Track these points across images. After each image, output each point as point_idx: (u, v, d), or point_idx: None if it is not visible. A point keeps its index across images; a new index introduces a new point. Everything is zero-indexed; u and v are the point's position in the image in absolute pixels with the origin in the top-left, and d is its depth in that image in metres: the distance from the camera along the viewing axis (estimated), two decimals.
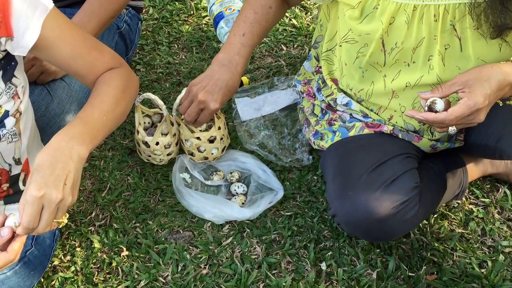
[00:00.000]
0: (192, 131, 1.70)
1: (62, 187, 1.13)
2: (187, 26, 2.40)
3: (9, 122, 1.32)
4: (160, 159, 1.78)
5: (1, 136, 1.32)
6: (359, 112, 1.53)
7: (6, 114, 1.30)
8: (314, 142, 1.64)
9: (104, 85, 1.33)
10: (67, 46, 1.28)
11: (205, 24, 2.40)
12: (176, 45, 2.31)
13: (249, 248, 1.61)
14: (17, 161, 1.38)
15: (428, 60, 1.37)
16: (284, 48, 2.26)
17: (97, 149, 1.89)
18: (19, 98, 1.33)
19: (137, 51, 2.27)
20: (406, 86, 1.42)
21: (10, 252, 1.09)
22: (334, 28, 1.52)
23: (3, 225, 1.13)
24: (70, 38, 1.29)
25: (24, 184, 1.41)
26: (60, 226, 1.19)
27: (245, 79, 2.08)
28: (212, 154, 1.75)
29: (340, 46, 1.49)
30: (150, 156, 1.77)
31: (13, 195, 1.42)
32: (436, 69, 1.37)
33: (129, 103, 1.37)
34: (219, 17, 2.21)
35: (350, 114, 1.55)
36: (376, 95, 1.48)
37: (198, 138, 1.71)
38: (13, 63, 1.28)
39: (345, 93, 1.55)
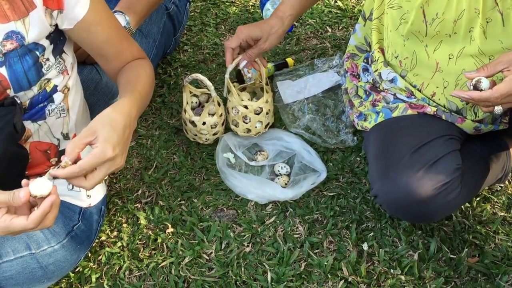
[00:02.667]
0: (242, 99, 1.72)
1: (126, 153, 1.19)
2: (234, 8, 2.41)
3: (58, 97, 1.37)
4: (206, 139, 1.81)
5: (50, 111, 1.37)
6: (403, 90, 1.51)
7: (55, 89, 1.35)
8: (358, 124, 1.63)
9: (140, 69, 1.41)
10: (104, 31, 1.36)
11: (251, 5, 2.41)
12: (223, 27, 2.33)
13: (291, 227, 1.63)
14: (65, 136, 1.43)
15: (469, 32, 1.35)
16: (329, 30, 2.25)
17: (144, 128, 1.93)
18: (68, 74, 1.38)
19: (185, 32, 2.30)
20: (449, 58, 1.40)
21: (30, 221, 1.07)
22: None
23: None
24: (107, 24, 1.36)
25: None
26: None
27: (290, 60, 2.09)
28: (256, 127, 1.77)
29: (386, 13, 1.49)
30: (196, 135, 1.80)
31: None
32: (478, 41, 1.35)
33: (151, 94, 1.44)
34: None
35: (394, 95, 1.54)
36: (420, 66, 1.47)
37: (245, 106, 1.74)
38: (62, 38, 1.34)
39: (390, 66, 1.54)
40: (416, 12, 1.38)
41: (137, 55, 1.45)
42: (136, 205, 1.73)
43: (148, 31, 1.92)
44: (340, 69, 1.91)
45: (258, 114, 1.74)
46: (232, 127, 1.80)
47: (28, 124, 1.36)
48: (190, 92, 1.82)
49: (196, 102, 1.83)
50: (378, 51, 1.59)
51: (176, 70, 2.14)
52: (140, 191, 1.76)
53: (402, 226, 1.60)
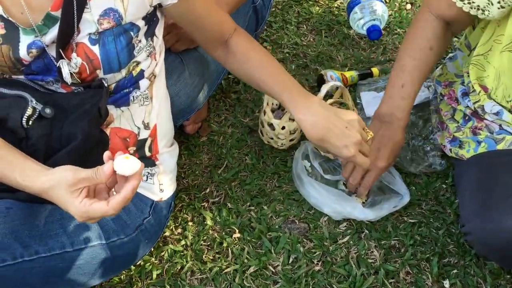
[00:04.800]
0: None
1: None
2: (317, 8, 2.31)
3: (143, 84, 1.31)
4: (282, 144, 1.71)
5: (134, 98, 1.31)
6: (511, 123, 1.40)
7: (142, 74, 1.29)
8: (450, 150, 1.52)
9: (268, 56, 1.38)
10: (201, 1, 1.29)
11: (336, 7, 2.31)
12: (304, 26, 2.23)
13: (366, 251, 1.52)
14: (146, 126, 1.36)
15: None
16: None
17: (216, 124, 1.85)
18: (155, 60, 1.32)
19: (265, 28, 2.21)
20: None
21: (110, 206, 0.99)
22: (491, 32, 1.39)
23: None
24: None
25: (150, 150, 1.38)
26: None
27: (375, 70, 1.98)
28: None
29: (501, 53, 1.35)
30: (272, 138, 1.71)
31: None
32: None
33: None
34: (354, 2, 2.12)
35: (500, 125, 1.42)
36: None
37: None
38: (155, 19, 1.27)
39: (497, 102, 1.42)
40: None
41: (232, 24, 1.38)
42: (203, 204, 1.65)
43: None
44: (431, 83, 1.78)
45: None
46: (322, 152, 1.68)
47: (111, 109, 1.29)
48: None
49: (276, 104, 1.74)
50: (478, 86, 1.46)
51: None
52: (208, 190, 1.68)
53: (488, 267, 1.48)
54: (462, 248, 1.52)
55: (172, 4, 1.25)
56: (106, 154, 1.00)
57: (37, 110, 1.14)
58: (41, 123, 1.15)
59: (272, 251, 1.53)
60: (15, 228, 1.09)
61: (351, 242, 1.54)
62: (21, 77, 1.23)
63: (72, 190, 0.99)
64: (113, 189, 1.05)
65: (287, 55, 2.09)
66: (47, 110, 1.14)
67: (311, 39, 2.17)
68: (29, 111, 1.13)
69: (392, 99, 1.47)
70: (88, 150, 1.17)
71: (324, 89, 1.54)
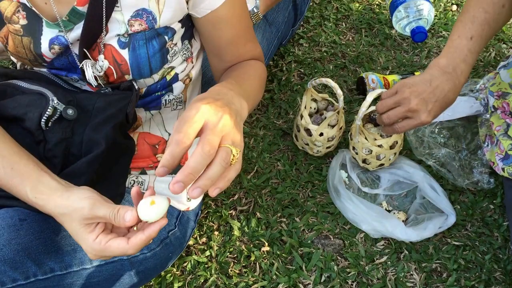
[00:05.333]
0: (375, 138, 1.49)
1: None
2: (357, 4, 2.18)
3: (177, 87, 1.20)
4: (318, 151, 1.60)
5: (166, 102, 1.20)
6: None
7: (176, 77, 1.17)
8: (503, 169, 1.40)
9: (252, 70, 1.17)
10: (230, 30, 1.13)
11: (377, 5, 2.18)
12: (343, 24, 2.10)
13: (405, 274, 1.41)
14: None
15: None
16: None
17: (247, 125, 1.74)
18: (192, 63, 1.20)
19: (302, 23, 2.09)
20: None
21: (131, 245, 0.85)
22: None
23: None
24: (238, 23, 1.14)
25: None
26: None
27: (418, 74, 1.85)
28: (390, 160, 1.54)
29: None
30: (307, 144, 1.60)
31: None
32: None
33: (260, 97, 1.20)
34: (398, 0, 1.98)
35: None
36: None
37: (380, 146, 1.50)
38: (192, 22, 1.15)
39: None
40: None
41: (257, 57, 1.24)
42: (230, 212, 1.54)
43: (273, 19, 1.72)
44: (481, 95, 1.65)
45: (392, 148, 1.51)
46: (361, 164, 1.56)
47: (140, 112, 1.18)
48: (311, 96, 1.61)
49: (314, 108, 1.62)
50: None
51: (289, 65, 1.93)
52: (236, 196, 1.58)
53: None
54: (510, 276, 1.39)
55: (196, 18, 1.12)
56: (135, 190, 0.87)
57: (58, 110, 1.02)
58: (61, 125, 1.03)
59: (304, 268, 1.43)
60: (28, 243, 0.98)
61: (389, 262, 1.43)
62: (44, 70, 1.13)
63: (86, 223, 0.88)
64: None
65: (325, 54, 1.97)
66: (70, 111, 1.03)
67: (350, 38, 2.04)
68: (49, 111, 1.01)
69: (458, 50, 1.31)
70: (111, 160, 1.06)
71: (371, 97, 1.41)
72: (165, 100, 1.19)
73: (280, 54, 1.97)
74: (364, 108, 1.42)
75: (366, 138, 1.49)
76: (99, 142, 1.03)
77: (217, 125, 0.82)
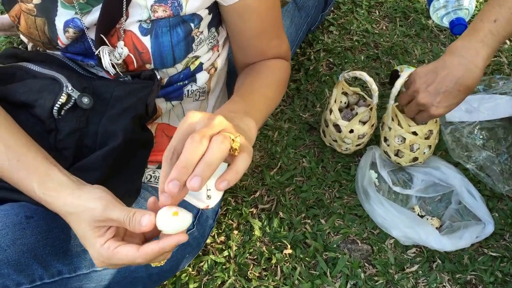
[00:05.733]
0: (409, 125, 1.38)
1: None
2: None
3: (201, 77, 1.10)
4: (347, 148, 1.50)
5: (189, 92, 1.11)
6: None
7: (200, 67, 1.08)
8: None
9: (270, 76, 1.09)
10: (257, 22, 1.04)
11: None
12: (377, 12, 1.99)
13: (437, 285, 1.31)
14: None
15: None
16: (508, 42, 1.87)
17: (271, 117, 1.64)
18: (218, 51, 1.11)
19: (332, 9, 1.98)
20: None
21: (141, 253, 0.76)
22: None
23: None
24: (266, 15, 1.05)
25: None
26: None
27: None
28: (424, 153, 1.43)
29: None
30: (335, 141, 1.49)
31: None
32: None
33: (278, 103, 1.12)
34: None
35: None
36: None
37: (414, 133, 1.38)
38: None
39: None
40: None
41: (282, 55, 1.15)
42: (251, 210, 1.45)
43: (303, 2, 1.61)
44: None
45: (428, 138, 1.40)
46: (393, 157, 1.45)
47: (160, 102, 1.09)
48: (342, 90, 1.50)
49: (345, 103, 1.51)
50: None
51: (317, 53, 1.82)
52: (258, 194, 1.48)
53: None
54: None
55: (221, 6, 1.03)
56: (151, 201, 0.77)
57: (73, 98, 0.94)
58: (75, 114, 0.94)
59: (328, 274, 1.33)
60: (35, 244, 0.89)
61: (420, 272, 1.33)
62: (58, 53, 1.04)
63: (96, 226, 0.78)
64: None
65: (356, 43, 1.86)
66: (85, 100, 0.94)
67: (384, 27, 1.93)
68: (62, 99, 0.93)
69: (478, 32, 1.18)
70: (129, 153, 0.97)
71: (398, 84, 1.31)
72: (188, 90, 1.10)
73: (308, 41, 1.86)
74: (398, 86, 1.32)
75: (399, 124, 1.38)
76: (116, 134, 0.94)
77: (212, 121, 0.73)
